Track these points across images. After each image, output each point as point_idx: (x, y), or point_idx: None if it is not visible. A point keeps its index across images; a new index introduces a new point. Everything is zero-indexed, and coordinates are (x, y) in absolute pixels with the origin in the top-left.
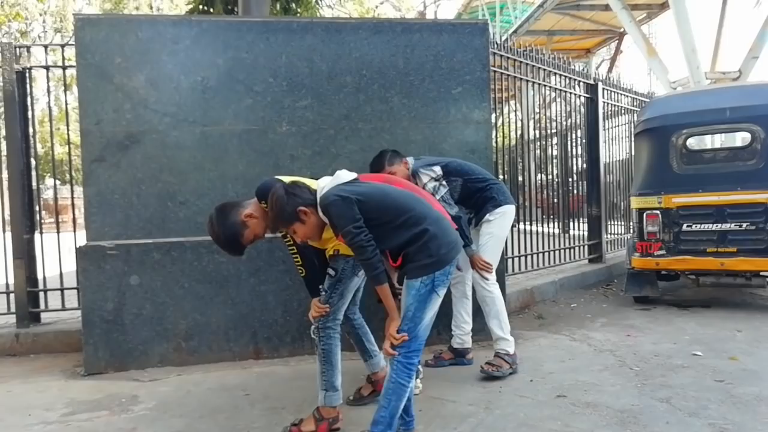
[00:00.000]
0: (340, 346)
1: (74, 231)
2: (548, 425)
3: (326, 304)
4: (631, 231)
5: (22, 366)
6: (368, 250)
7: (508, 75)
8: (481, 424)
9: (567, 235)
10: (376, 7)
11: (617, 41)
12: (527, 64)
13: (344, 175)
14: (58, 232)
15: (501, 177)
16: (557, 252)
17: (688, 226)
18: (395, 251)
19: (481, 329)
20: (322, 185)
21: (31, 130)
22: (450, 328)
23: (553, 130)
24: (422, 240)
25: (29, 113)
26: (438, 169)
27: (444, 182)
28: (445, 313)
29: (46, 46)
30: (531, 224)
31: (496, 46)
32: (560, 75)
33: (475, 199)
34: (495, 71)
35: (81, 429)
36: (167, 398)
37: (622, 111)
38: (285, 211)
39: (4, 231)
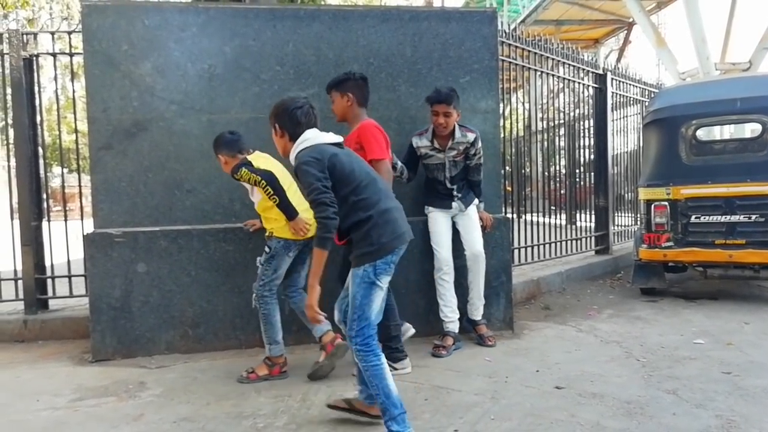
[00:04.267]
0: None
1: (82, 219)
2: (554, 415)
3: (262, 276)
4: (639, 222)
5: (30, 352)
6: (329, 210)
7: (517, 64)
8: (487, 413)
9: (574, 226)
10: None
11: (626, 31)
12: (536, 53)
13: (328, 137)
14: (65, 220)
15: (508, 167)
16: (564, 243)
17: (696, 218)
18: (342, 231)
19: (486, 319)
20: (307, 137)
21: (38, 117)
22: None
23: (561, 121)
24: (365, 227)
25: (36, 100)
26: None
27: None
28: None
29: (53, 33)
30: (537, 215)
31: (504, 35)
32: (569, 65)
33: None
34: (503, 60)
35: (89, 415)
36: (174, 385)
37: (631, 101)
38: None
39: (12, 218)
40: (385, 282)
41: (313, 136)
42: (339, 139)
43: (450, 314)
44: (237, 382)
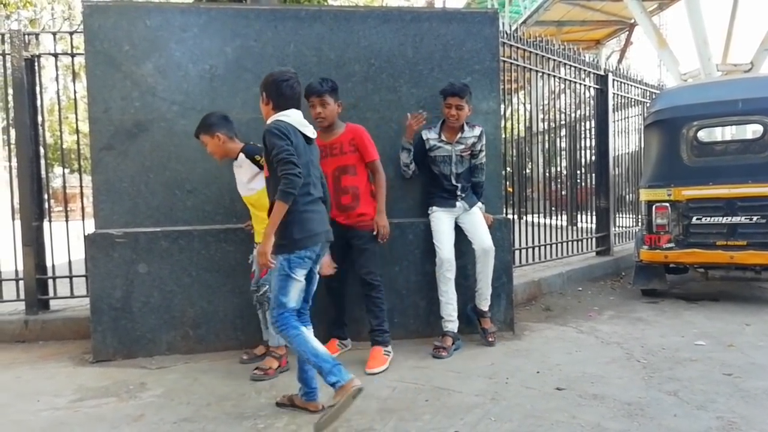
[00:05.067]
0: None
1: (83, 219)
2: (555, 416)
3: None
4: (640, 223)
5: (30, 352)
6: (296, 168)
7: (518, 65)
8: (488, 414)
9: (575, 227)
10: None
11: (627, 32)
12: (537, 54)
13: (306, 128)
14: (66, 220)
15: (509, 168)
16: (565, 244)
17: (697, 219)
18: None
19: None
20: (289, 115)
21: (40, 118)
22: (439, 314)
23: (562, 122)
24: (284, 221)
25: (38, 101)
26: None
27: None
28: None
29: (54, 34)
30: (538, 216)
31: (505, 36)
32: (570, 66)
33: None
34: (504, 61)
35: (89, 415)
36: (175, 385)
37: (632, 102)
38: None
39: (13, 218)
40: (300, 275)
41: (294, 119)
42: (313, 135)
43: (451, 312)
44: (252, 380)
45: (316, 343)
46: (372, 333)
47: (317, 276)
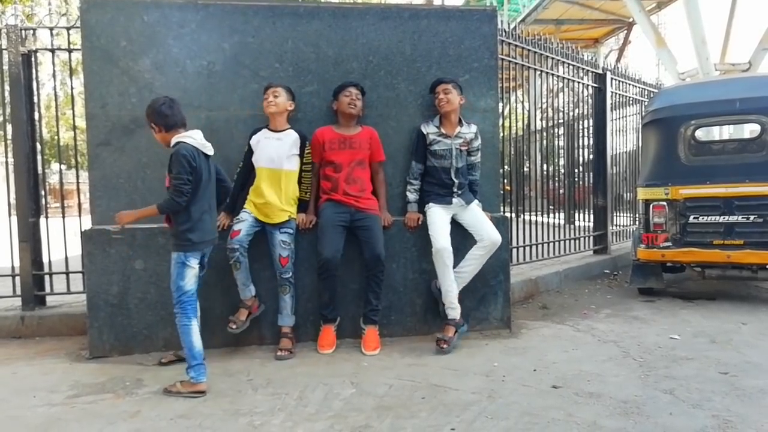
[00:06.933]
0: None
1: (79, 215)
2: (551, 414)
3: (292, 256)
4: (637, 222)
5: (27, 348)
6: (183, 198)
7: (516, 63)
8: (484, 412)
9: (572, 225)
10: None
11: (626, 31)
12: (535, 52)
13: (206, 147)
14: (63, 216)
15: (507, 167)
16: (562, 242)
17: (694, 218)
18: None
19: (484, 318)
20: (193, 137)
21: (36, 114)
22: (436, 312)
23: (560, 120)
24: (184, 227)
25: (35, 96)
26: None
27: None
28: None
29: (51, 29)
30: (536, 214)
31: (504, 33)
32: (568, 64)
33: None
34: (503, 59)
35: (85, 411)
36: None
37: (630, 101)
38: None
39: (10, 214)
40: (194, 263)
41: (198, 141)
42: (210, 153)
43: (453, 300)
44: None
45: (197, 341)
46: (371, 312)
47: (203, 270)
